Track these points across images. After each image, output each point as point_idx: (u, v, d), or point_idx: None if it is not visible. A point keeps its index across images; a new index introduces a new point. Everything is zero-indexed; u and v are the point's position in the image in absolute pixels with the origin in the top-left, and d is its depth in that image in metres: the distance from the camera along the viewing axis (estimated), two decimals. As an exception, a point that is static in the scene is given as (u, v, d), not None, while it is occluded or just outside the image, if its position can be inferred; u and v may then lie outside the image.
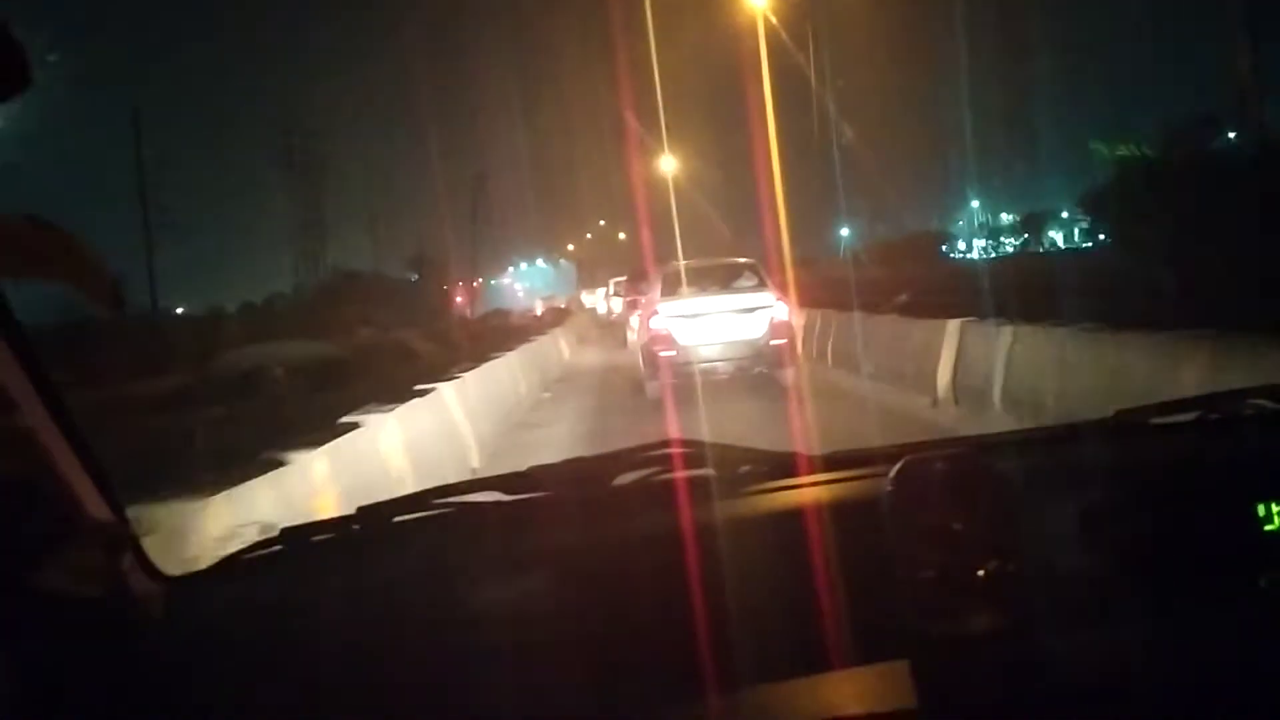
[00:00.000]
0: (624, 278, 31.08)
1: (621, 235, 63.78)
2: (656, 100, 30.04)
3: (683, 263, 13.06)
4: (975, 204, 54.39)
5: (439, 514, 1.39)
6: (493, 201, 62.40)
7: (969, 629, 0.89)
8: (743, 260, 12.68)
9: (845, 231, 54.77)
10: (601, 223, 56.96)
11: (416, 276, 55.68)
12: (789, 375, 11.00)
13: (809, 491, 1.29)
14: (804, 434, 8.04)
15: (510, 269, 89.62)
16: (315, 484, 4.34)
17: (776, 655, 0.99)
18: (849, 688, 0.94)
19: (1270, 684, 0.87)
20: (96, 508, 1.16)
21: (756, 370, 10.99)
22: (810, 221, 54.53)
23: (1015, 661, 0.90)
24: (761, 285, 11.57)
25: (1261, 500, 1.15)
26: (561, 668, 1.06)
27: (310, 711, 1.07)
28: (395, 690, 1.10)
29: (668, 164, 34.78)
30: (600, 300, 35.74)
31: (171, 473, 4.46)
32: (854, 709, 0.91)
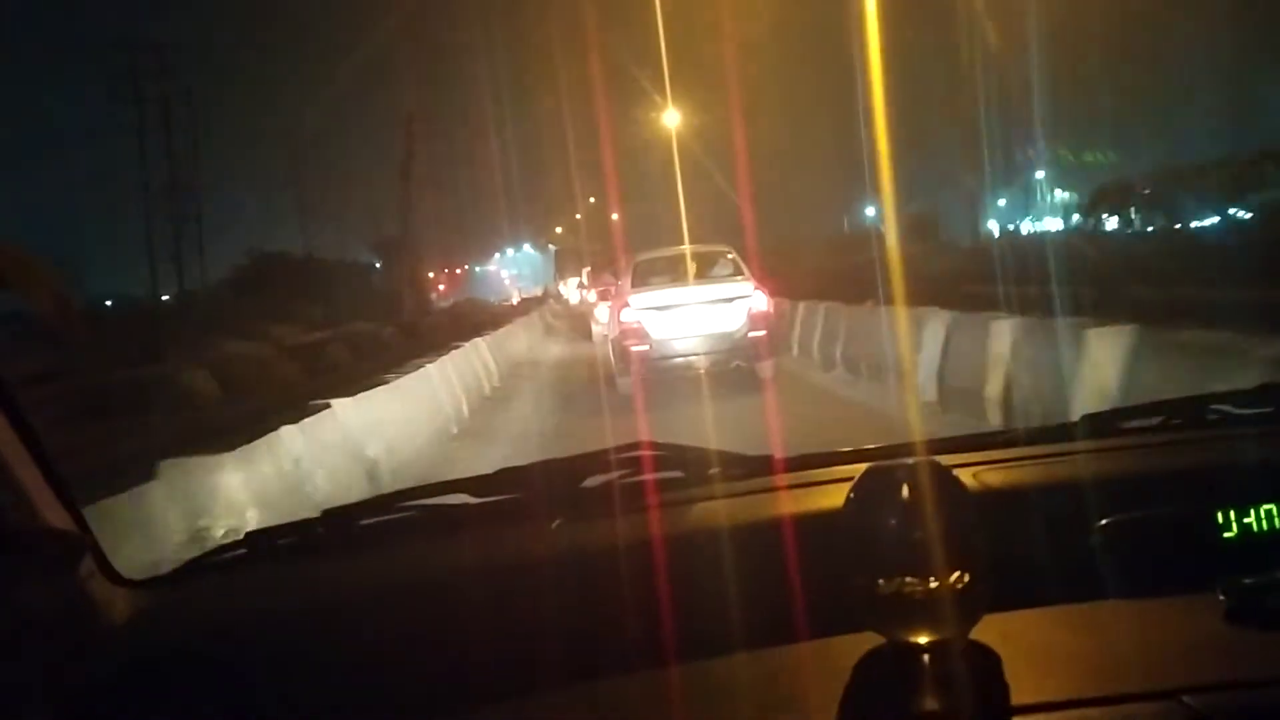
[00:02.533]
0: (588, 268, 30.11)
1: (615, 216, 61.33)
2: (659, 55, 26.32)
3: (655, 252, 12.84)
4: (1040, 174, 43.94)
5: (406, 517, 1.42)
6: (479, 183, 58.48)
7: (927, 640, 0.92)
8: (718, 247, 12.43)
9: (870, 211, 46.37)
10: (592, 200, 51.79)
11: (379, 263, 52.07)
12: (767, 369, 10.83)
13: (775, 495, 1.34)
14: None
15: (497, 255, 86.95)
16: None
17: (739, 662, 1.02)
18: (795, 699, 0.97)
19: (1229, 695, 0.89)
20: (53, 512, 1.17)
21: (734, 364, 10.77)
22: (830, 198, 51.21)
23: (973, 673, 0.93)
24: (738, 273, 11.35)
25: (1221, 507, 1.20)
26: (532, 668, 1.08)
27: (278, 717, 1.09)
28: (362, 695, 1.12)
29: (670, 119, 29.03)
30: (573, 290, 34.69)
31: None
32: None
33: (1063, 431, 1.46)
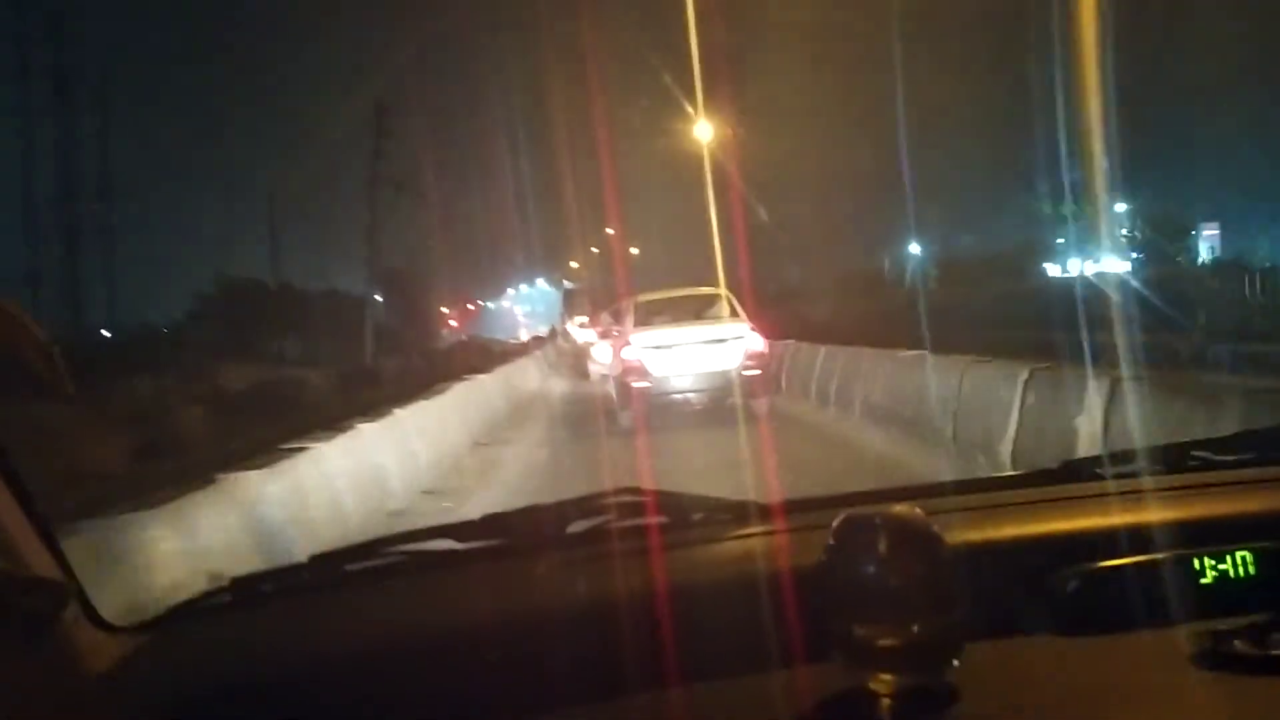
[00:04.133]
0: (585, 319, 29.43)
1: (634, 250, 54.78)
2: (687, 79, 24.40)
3: (655, 294, 13.28)
4: (1122, 207, 33.91)
5: (391, 563, 1.44)
6: (492, 216, 55.77)
7: (900, 689, 0.94)
8: (714, 290, 12.99)
9: (916, 249, 43.49)
10: (609, 231, 47.68)
11: (380, 297, 48.11)
12: (763, 405, 11.27)
13: (756, 542, 1.36)
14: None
15: (510, 290, 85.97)
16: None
17: (718, 707, 1.05)
18: None
19: None
20: (37, 556, 1.19)
21: (729, 401, 11.15)
22: (870, 234, 46.80)
23: (946, 715, 0.95)
24: (734, 315, 11.85)
25: (1197, 553, 1.21)
26: (521, 712, 1.11)
27: None
28: None
29: (700, 136, 26.75)
30: (579, 330, 34.44)
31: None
32: None
33: (1043, 477, 1.50)
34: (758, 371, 11.15)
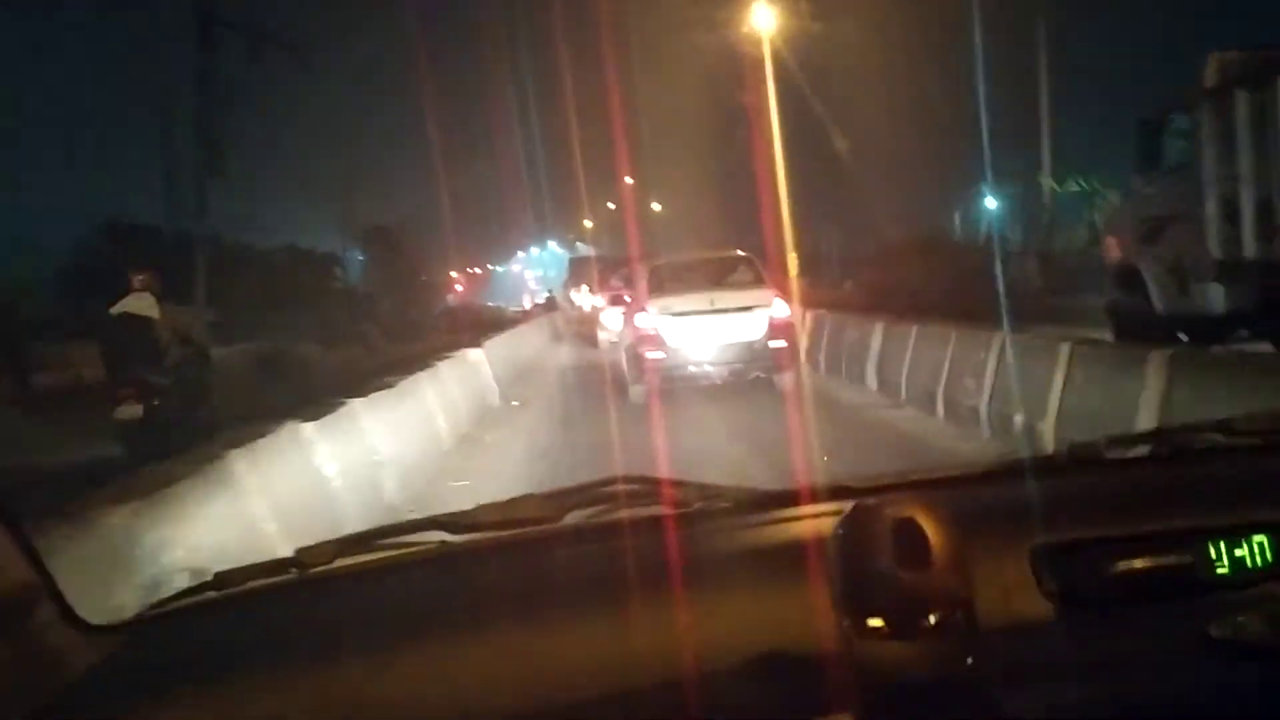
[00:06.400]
0: (596, 273, 28.52)
1: (655, 205, 51.87)
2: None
3: (672, 257, 12.99)
4: None
5: (381, 556, 1.44)
6: (498, 165, 51.59)
7: (914, 681, 0.92)
8: (737, 253, 12.56)
9: (991, 202, 35.64)
10: (629, 180, 43.34)
11: (363, 256, 44.56)
12: (788, 380, 10.89)
13: (759, 531, 1.35)
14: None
15: (520, 254, 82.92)
16: None
17: (710, 707, 1.04)
18: None
19: None
20: (7, 555, 1.19)
21: (753, 375, 10.87)
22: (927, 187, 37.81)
23: (959, 716, 0.94)
24: (759, 281, 11.44)
25: (1212, 540, 1.20)
26: (504, 713, 1.10)
27: None
28: None
29: (762, 21, 22.32)
30: (585, 297, 33.92)
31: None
32: None
33: (1050, 462, 1.48)
34: (783, 343, 10.75)
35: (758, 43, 22.29)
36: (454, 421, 9.53)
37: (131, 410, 7.16)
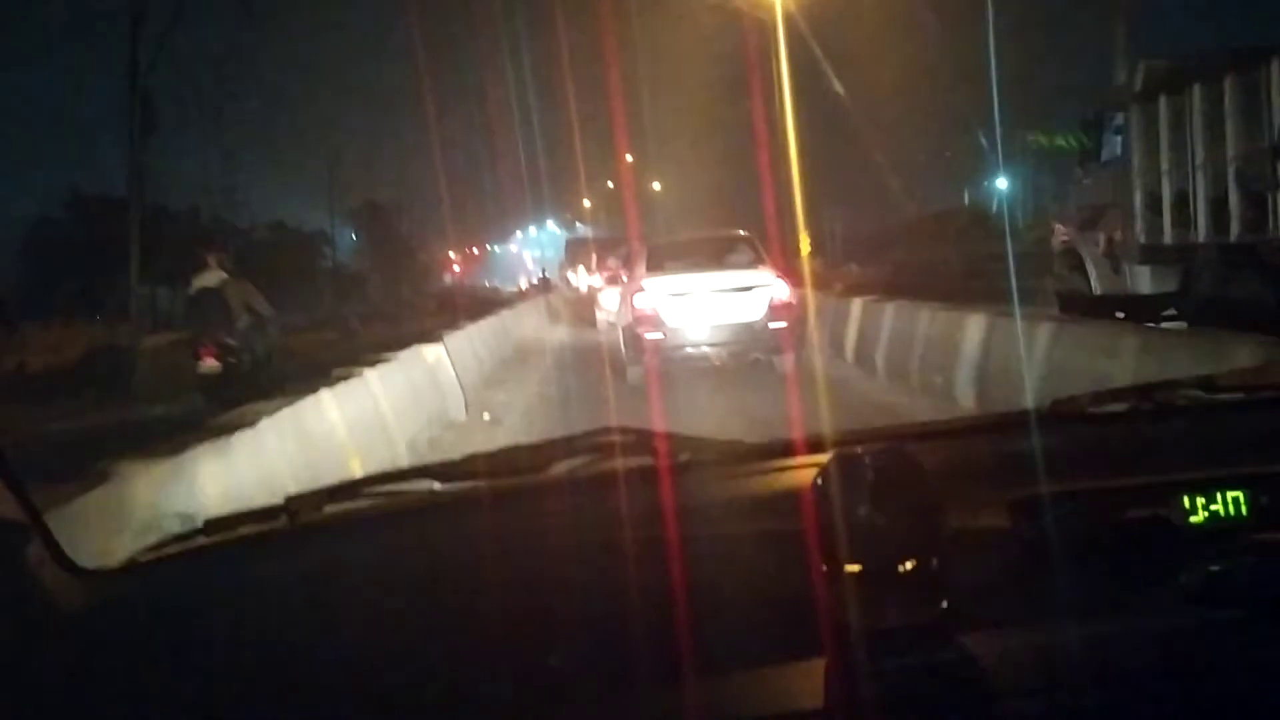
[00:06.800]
0: (593, 253, 28.11)
1: (655, 185, 50.66)
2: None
3: (670, 236, 12.94)
4: None
5: (371, 504, 1.45)
6: (498, 151, 48.74)
7: (888, 628, 0.95)
8: (737, 233, 12.49)
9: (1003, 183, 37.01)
10: (629, 158, 41.05)
11: (355, 236, 44.06)
12: (788, 362, 10.80)
13: (743, 481, 1.37)
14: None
15: (518, 234, 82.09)
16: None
17: (695, 652, 1.05)
18: (760, 687, 1.00)
19: (1188, 686, 0.92)
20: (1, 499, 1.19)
21: (753, 356, 10.83)
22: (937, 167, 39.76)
23: (933, 662, 0.96)
24: (759, 261, 11.38)
25: (1187, 492, 1.22)
26: (494, 661, 1.11)
27: (235, 715, 1.11)
28: (324, 691, 1.14)
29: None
30: (583, 278, 32.86)
31: None
32: (761, 709, 0.97)
33: (1030, 416, 1.49)
34: (784, 324, 10.65)
35: (766, 9, 21.72)
36: (377, 457, 6.64)
37: (211, 366, 8.59)
